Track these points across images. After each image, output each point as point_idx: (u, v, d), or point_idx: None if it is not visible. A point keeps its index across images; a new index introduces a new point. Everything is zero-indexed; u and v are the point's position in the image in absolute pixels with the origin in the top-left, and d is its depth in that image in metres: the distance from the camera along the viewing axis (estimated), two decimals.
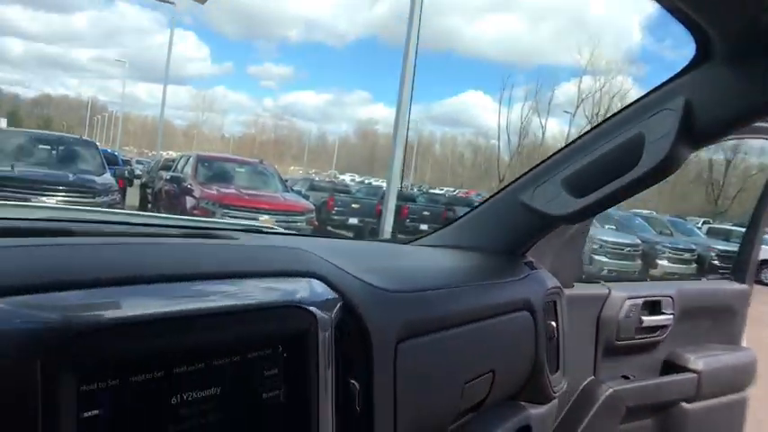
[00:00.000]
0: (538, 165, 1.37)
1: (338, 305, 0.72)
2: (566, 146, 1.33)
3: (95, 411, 0.48)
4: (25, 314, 0.44)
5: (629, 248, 12.28)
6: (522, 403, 1.51)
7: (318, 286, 0.69)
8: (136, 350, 0.50)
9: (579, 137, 1.30)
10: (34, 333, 0.44)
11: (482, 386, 1.20)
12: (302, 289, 0.65)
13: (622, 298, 1.95)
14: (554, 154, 1.34)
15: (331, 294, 0.71)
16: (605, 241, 11.81)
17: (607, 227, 12.85)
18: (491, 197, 1.56)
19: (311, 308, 0.65)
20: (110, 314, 0.49)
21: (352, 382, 0.74)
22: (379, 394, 0.81)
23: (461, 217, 1.61)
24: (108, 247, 0.56)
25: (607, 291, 1.95)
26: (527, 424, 1.48)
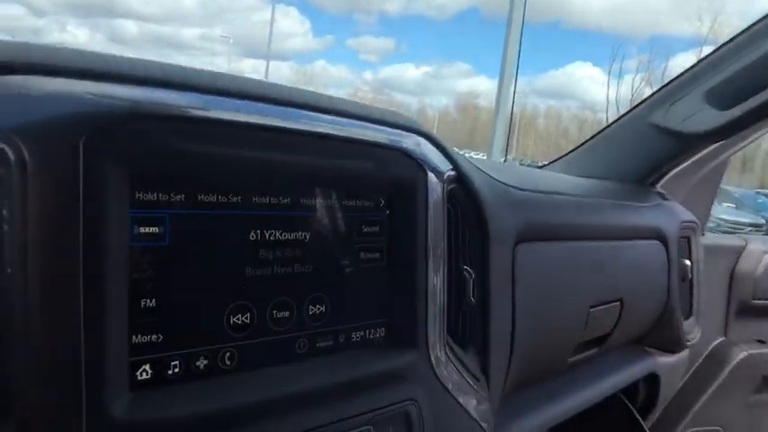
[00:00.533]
0: (669, 83, 1.23)
1: (452, 173, 0.63)
2: (702, 59, 1.18)
3: (153, 229, 0.42)
4: (79, 96, 0.38)
5: (750, 228, 11.21)
6: (649, 349, 1.38)
7: (430, 148, 0.60)
8: (209, 159, 0.43)
9: (718, 48, 1.14)
10: (83, 113, 0.38)
11: (608, 316, 1.10)
12: (413, 142, 0.57)
13: (761, 252, 1.74)
14: (690, 68, 1.19)
15: (444, 162, 0.62)
16: (724, 220, 10.84)
17: (726, 205, 11.83)
18: (614, 122, 1.43)
19: (421, 160, 0.57)
20: (181, 110, 0.42)
21: (466, 268, 0.65)
22: (497, 292, 0.73)
23: (581, 145, 1.49)
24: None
25: (743, 243, 1.75)
26: (654, 371, 1.36)
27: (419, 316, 0.57)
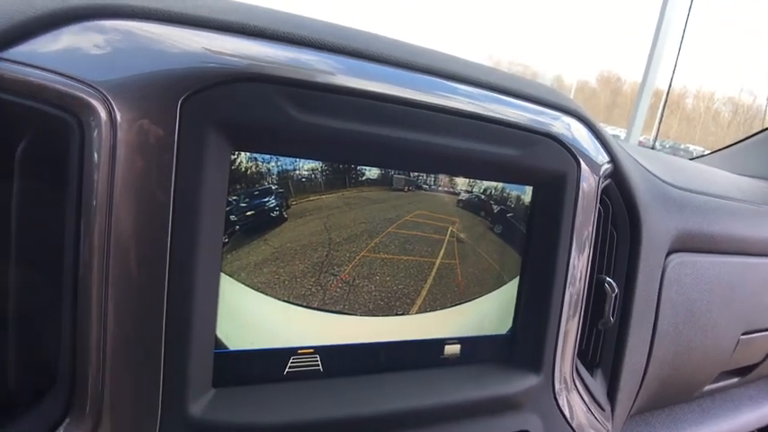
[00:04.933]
0: None
1: (608, 167, 0.52)
2: None
3: (267, 200, 0.36)
4: (184, 50, 0.32)
5: None
6: None
7: (586, 134, 0.49)
8: (321, 132, 0.36)
9: None
10: (186, 71, 0.32)
11: (761, 346, 0.93)
12: (567, 127, 0.47)
13: None
14: None
15: (601, 152, 0.51)
16: None
17: None
18: None
19: (574, 149, 0.46)
20: (297, 72, 0.35)
21: (609, 281, 0.54)
22: (639, 311, 0.61)
23: (747, 138, 1.29)
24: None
25: None
26: None
27: (549, 332, 0.47)
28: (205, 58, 0.32)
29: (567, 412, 0.50)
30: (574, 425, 0.51)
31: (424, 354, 0.44)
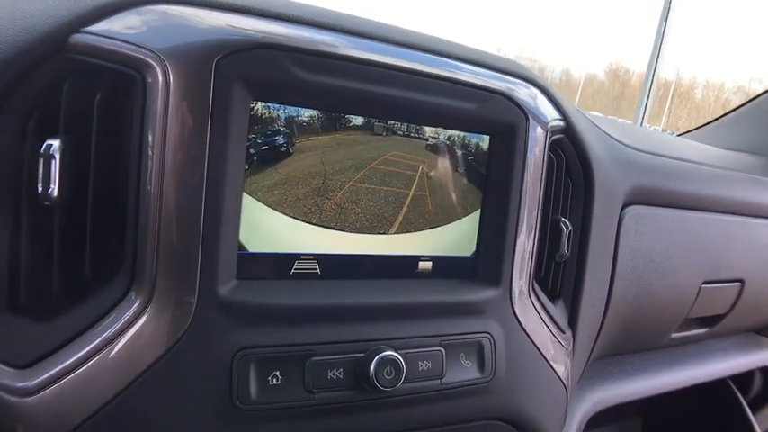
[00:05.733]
0: None
1: (558, 123, 0.63)
2: None
3: (269, 142, 0.48)
4: (215, 23, 0.44)
5: None
6: None
7: (538, 95, 0.61)
8: (324, 88, 0.48)
9: None
10: (218, 38, 0.44)
11: (724, 296, 1.03)
12: (517, 88, 0.58)
13: None
14: None
15: (551, 111, 0.62)
16: None
17: None
18: (759, 95, 1.30)
19: (523, 105, 0.57)
20: (303, 42, 0.47)
21: (564, 220, 0.65)
22: (596, 251, 0.72)
23: (727, 114, 1.38)
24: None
25: None
26: None
27: (506, 254, 0.58)
28: (233, 32, 0.44)
29: (524, 323, 0.61)
30: (531, 335, 0.62)
31: (401, 266, 0.56)
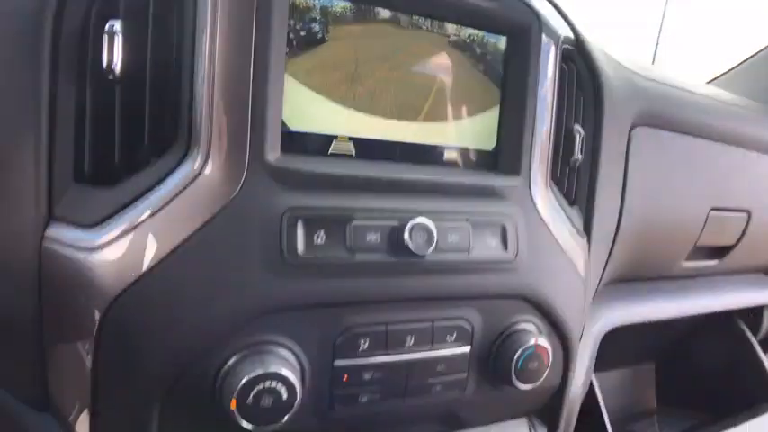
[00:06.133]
0: None
1: (568, 35, 0.67)
2: None
3: (314, 26, 0.52)
4: None
5: None
6: None
7: (551, 9, 0.65)
8: None
9: None
10: None
11: (732, 225, 1.07)
12: None
13: None
14: None
15: (563, 25, 0.66)
16: None
17: None
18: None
19: (537, 12, 0.62)
20: None
21: (576, 126, 0.70)
22: (607, 159, 0.76)
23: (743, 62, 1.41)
24: None
25: None
26: None
27: (524, 147, 0.63)
28: None
29: (543, 213, 0.65)
30: (549, 226, 0.66)
31: (429, 154, 0.60)
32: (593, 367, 0.91)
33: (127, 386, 0.48)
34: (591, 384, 1.01)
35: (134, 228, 0.47)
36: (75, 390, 0.50)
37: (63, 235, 0.48)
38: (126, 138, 0.49)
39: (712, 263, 1.12)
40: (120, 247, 0.47)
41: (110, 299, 0.46)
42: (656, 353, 1.40)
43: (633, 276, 1.00)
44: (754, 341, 1.30)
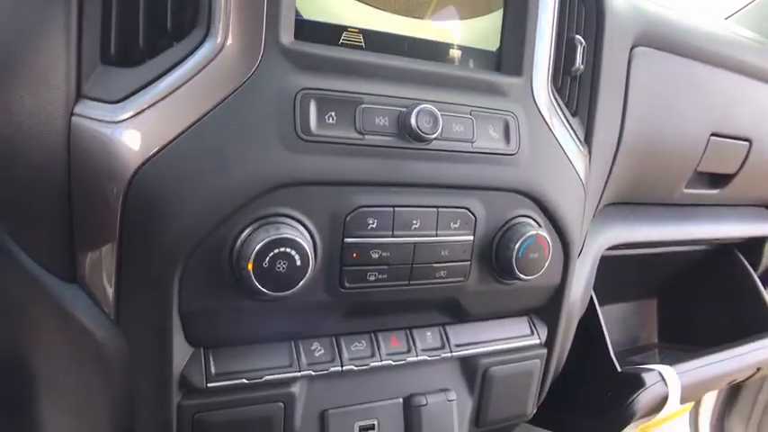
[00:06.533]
0: None
1: None
2: None
3: None
4: None
5: None
6: None
7: None
8: None
9: None
10: None
11: (732, 153, 1.09)
12: None
13: None
14: None
15: None
16: None
17: None
18: None
19: None
20: None
21: (577, 36, 0.72)
22: (608, 72, 0.78)
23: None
24: None
25: None
26: None
27: (527, 48, 0.65)
28: None
29: (545, 114, 0.68)
30: (551, 127, 0.68)
31: (435, 50, 0.63)
32: (592, 284, 0.94)
33: (150, 254, 0.52)
34: (593, 305, 1.04)
35: (156, 103, 0.50)
36: (101, 260, 0.54)
37: (90, 111, 0.51)
38: (150, 21, 0.52)
39: (713, 192, 1.14)
40: (143, 121, 0.50)
41: (134, 169, 0.50)
42: (656, 288, 1.43)
43: (634, 199, 1.02)
44: (755, 275, 1.33)
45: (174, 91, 0.50)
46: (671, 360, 1.13)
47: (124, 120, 0.50)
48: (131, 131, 0.50)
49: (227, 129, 0.51)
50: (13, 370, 0.63)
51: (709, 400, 1.70)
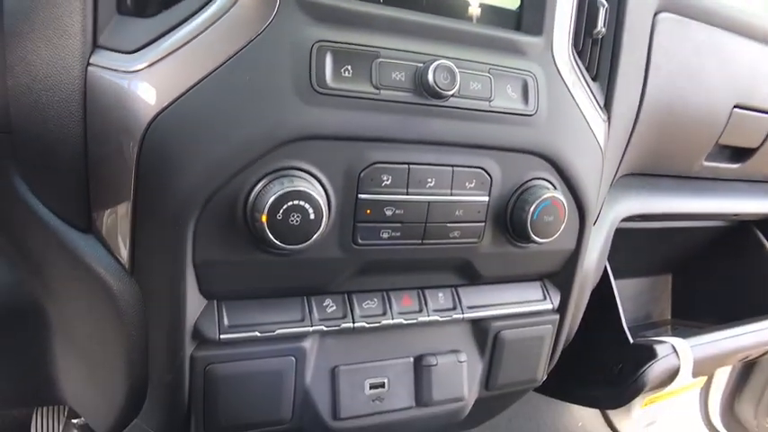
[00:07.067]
0: None
1: None
2: None
3: None
4: None
5: None
6: None
7: None
8: None
9: None
10: None
11: (755, 126, 1.07)
12: None
13: None
14: None
15: None
16: None
17: None
18: None
19: None
20: None
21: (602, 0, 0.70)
22: (630, 37, 0.76)
23: None
24: None
25: None
26: None
27: (548, 8, 0.63)
28: None
29: (564, 76, 0.66)
30: (570, 89, 0.67)
31: (454, 7, 0.61)
32: (606, 254, 0.93)
33: (165, 203, 0.52)
34: (607, 276, 1.03)
35: (171, 53, 0.50)
36: (116, 210, 0.54)
37: (106, 61, 0.51)
38: None
39: (733, 166, 1.12)
40: (158, 71, 0.50)
41: (149, 119, 0.50)
42: (671, 264, 1.42)
43: (652, 170, 1.01)
44: (765, 241, 1.31)
45: (188, 42, 0.50)
46: (684, 336, 1.13)
47: (139, 70, 0.50)
48: (147, 81, 0.50)
49: (242, 80, 0.50)
50: (30, 319, 0.64)
51: (720, 381, 1.70)
